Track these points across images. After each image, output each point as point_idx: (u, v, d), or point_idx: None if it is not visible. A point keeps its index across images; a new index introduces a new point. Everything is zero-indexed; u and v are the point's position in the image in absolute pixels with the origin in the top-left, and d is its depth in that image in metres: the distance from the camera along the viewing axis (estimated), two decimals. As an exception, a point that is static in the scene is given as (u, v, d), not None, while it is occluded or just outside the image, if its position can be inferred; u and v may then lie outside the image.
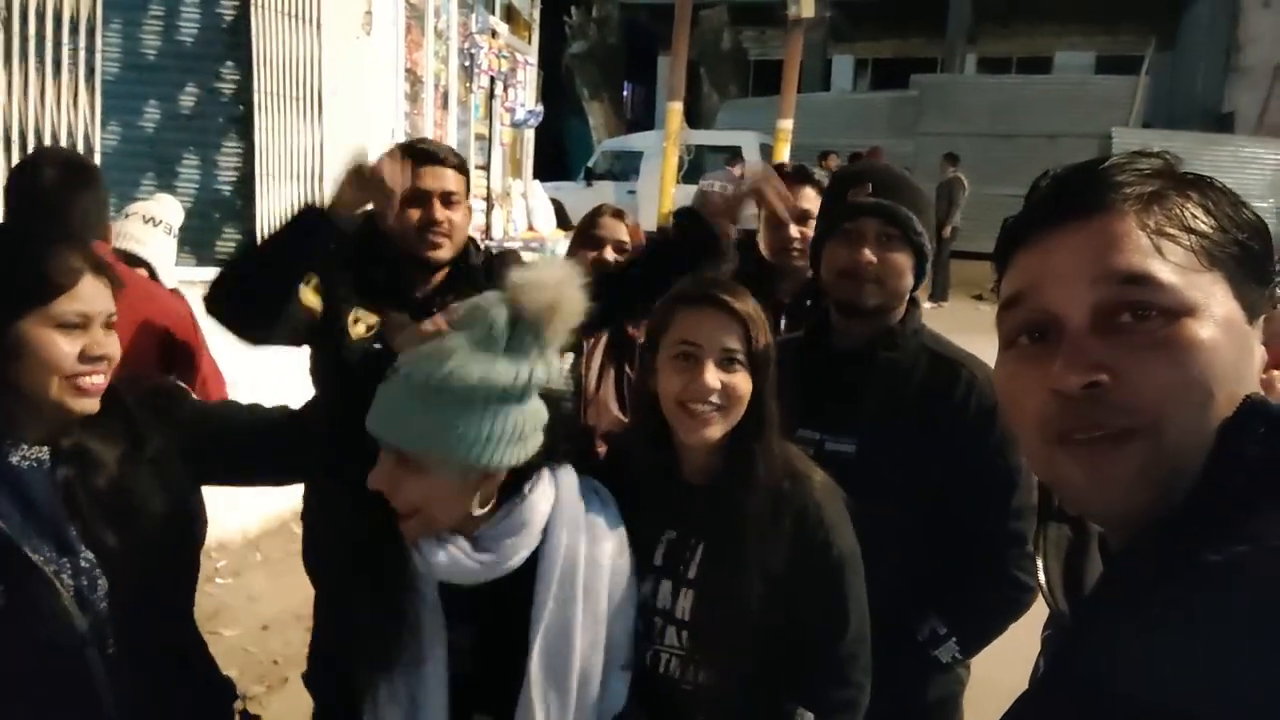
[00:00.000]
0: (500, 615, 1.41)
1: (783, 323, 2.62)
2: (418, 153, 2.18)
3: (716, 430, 1.49)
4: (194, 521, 1.58)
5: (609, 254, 2.47)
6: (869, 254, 1.76)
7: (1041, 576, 0.85)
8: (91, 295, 1.41)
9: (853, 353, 1.84)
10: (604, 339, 2.49)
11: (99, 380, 1.42)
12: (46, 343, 1.36)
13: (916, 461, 1.72)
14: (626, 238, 2.52)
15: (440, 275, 2.28)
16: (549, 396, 1.38)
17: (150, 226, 2.96)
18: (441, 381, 1.27)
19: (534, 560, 1.40)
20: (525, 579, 1.40)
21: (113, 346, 1.44)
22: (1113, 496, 0.70)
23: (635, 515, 1.53)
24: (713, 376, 1.46)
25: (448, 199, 2.22)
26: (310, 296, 2.12)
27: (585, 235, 2.57)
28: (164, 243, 2.98)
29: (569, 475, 1.48)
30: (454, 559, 1.35)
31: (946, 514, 1.73)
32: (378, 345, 2.15)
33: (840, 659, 1.51)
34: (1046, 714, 0.68)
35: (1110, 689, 0.59)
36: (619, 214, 2.61)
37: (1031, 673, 0.88)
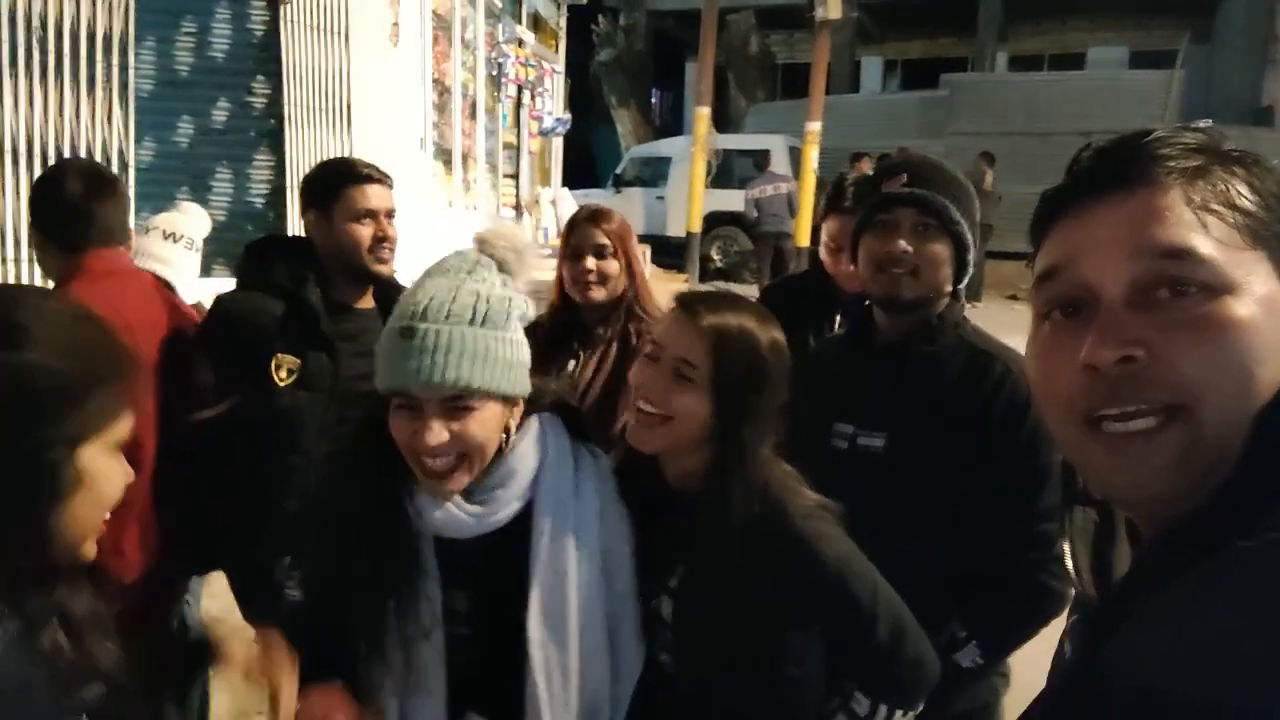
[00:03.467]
0: (494, 578, 1.42)
1: (837, 320, 2.63)
2: (360, 174, 2.33)
3: (648, 439, 1.46)
4: None
5: (589, 262, 2.38)
6: (903, 244, 1.72)
7: (1069, 561, 0.83)
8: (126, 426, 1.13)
9: (891, 347, 1.80)
10: (601, 352, 2.43)
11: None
12: (108, 472, 1.08)
13: (944, 458, 1.68)
14: (606, 241, 2.41)
15: (368, 294, 2.39)
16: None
17: (170, 243, 2.95)
18: (486, 305, 1.34)
19: (527, 516, 1.42)
20: (520, 538, 1.41)
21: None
22: (1144, 484, 0.68)
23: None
24: (653, 380, 1.43)
25: (391, 215, 2.35)
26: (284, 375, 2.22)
27: (565, 245, 2.49)
28: (184, 258, 2.96)
29: (555, 425, 1.49)
30: (448, 513, 1.37)
31: (974, 513, 1.68)
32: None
33: (881, 654, 1.47)
34: (1076, 703, 0.66)
35: (1140, 678, 0.58)
36: (596, 217, 2.48)
37: (1054, 657, 0.86)
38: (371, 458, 1.40)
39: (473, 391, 1.32)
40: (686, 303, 1.48)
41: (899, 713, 1.49)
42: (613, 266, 2.41)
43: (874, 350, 1.84)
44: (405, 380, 1.31)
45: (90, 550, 1.10)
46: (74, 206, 2.32)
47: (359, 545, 1.39)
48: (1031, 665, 1.77)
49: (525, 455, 1.42)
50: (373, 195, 2.31)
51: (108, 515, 1.10)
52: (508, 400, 1.39)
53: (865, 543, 1.64)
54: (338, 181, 2.32)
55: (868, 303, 1.91)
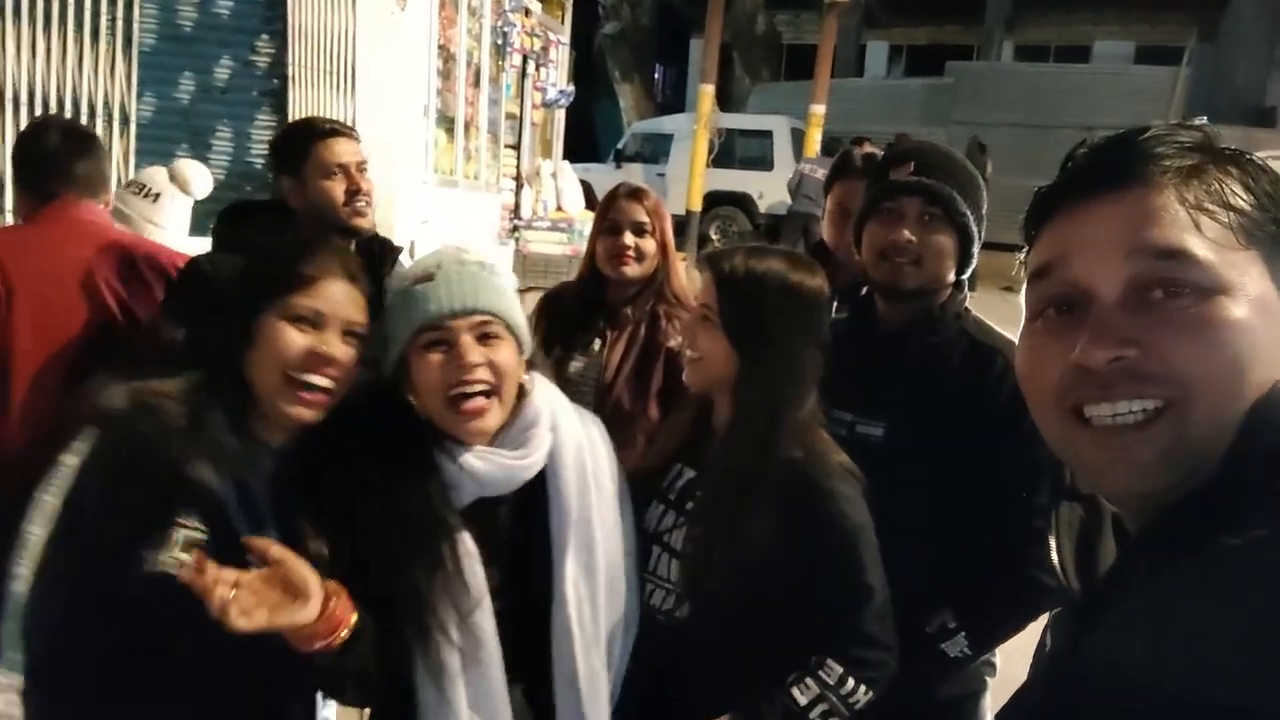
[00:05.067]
0: (520, 544, 1.48)
1: (834, 307, 2.60)
2: (324, 129, 2.33)
3: (689, 378, 1.62)
4: None
5: (628, 238, 2.37)
6: (907, 234, 1.72)
7: (1054, 555, 0.84)
8: (334, 297, 1.38)
9: (891, 335, 1.80)
10: (629, 333, 2.42)
11: (323, 384, 1.36)
12: (278, 334, 1.35)
13: (943, 449, 1.68)
14: (645, 218, 2.40)
15: (350, 250, 2.34)
16: None
17: (130, 193, 2.94)
18: (492, 262, 1.48)
19: (541, 480, 1.49)
20: (540, 496, 1.49)
21: (344, 356, 1.38)
22: (1130, 478, 0.68)
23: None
24: (688, 327, 1.61)
25: (362, 167, 2.34)
26: None
27: (602, 220, 2.47)
28: (143, 209, 2.94)
29: (555, 389, 1.60)
30: (494, 463, 1.43)
31: (969, 505, 1.69)
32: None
33: (866, 625, 1.54)
34: (1060, 696, 0.67)
35: (1124, 672, 0.59)
36: (636, 194, 2.47)
37: (1036, 649, 0.88)
38: (396, 432, 1.44)
39: (499, 318, 1.41)
40: (709, 257, 1.63)
41: (863, 688, 1.52)
42: (650, 245, 2.40)
43: (875, 338, 1.84)
44: (439, 308, 1.38)
45: (280, 411, 1.35)
46: (51, 159, 2.38)
47: (395, 530, 1.40)
48: (1022, 656, 1.78)
49: (544, 397, 1.51)
50: (340, 149, 2.31)
51: (298, 378, 1.34)
52: (520, 346, 1.46)
53: None
54: (303, 140, 2.32)
55: (865, 290, 1.92)
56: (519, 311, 1.48)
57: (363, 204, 2.31)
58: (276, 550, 1.23)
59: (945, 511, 1.69)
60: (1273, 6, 16.87)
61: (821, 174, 11.66)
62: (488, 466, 1.42)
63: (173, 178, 3.05)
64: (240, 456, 1.35)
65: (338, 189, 2.28)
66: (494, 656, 1.42)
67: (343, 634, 1.29)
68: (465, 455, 1.42)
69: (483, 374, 1.38)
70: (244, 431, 1.36)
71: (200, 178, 3.11)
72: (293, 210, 2.34)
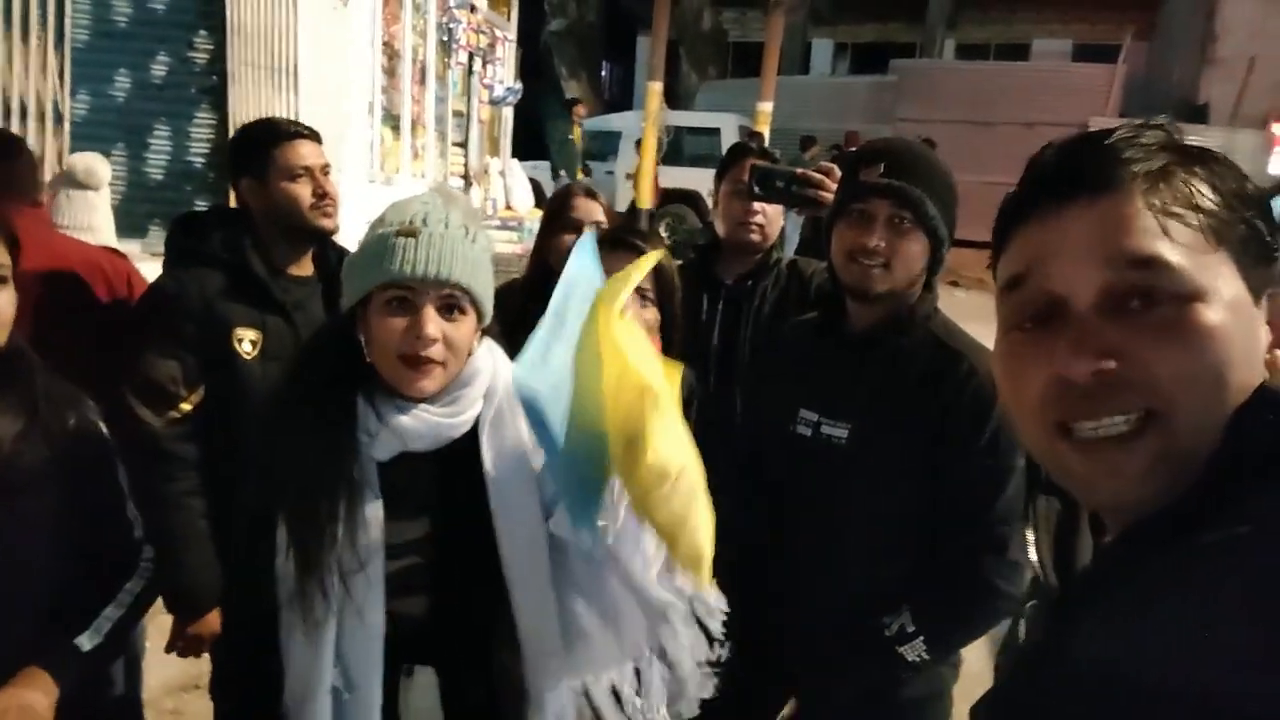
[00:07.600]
0: (445, 502, 1.47)
1: (720, 305, 2.47)
2: (289, 132, 2.28)
3: None
4: (81, 525, 1.55)
5: None
6: (876, 239, 1.69)
7: (1031, 550, 0.84)
8: None
9: (859, 337, 1.79)
10: None
11: None
12: None
13: (906, 452, 1.68)
14: (602, 218, 2.38)
15: (308, 260, 2.33)
16: None
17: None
18: (475, 222, 1.44)
19: (475, 437, 1.48)
20: (471, 455, 1.47)
21: None
22: (1121, 491, 0.68)
23: None
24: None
25: (326, 170, 2.30)
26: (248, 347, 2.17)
27: (559, 217, 2.43)
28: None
29: (502, 352, 1.57)
30: (420, 419, 1.43)
31: (931, 509, 1.69)
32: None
33: None
34: (1042, 690, 0.67)
35: (1107, 668, 0.59)
36: (592, 193, 2.47)
37: (1005, 641, 0.88)
38: (328, 371, 1.45)
39: (466, 294, 1.40)
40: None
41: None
42: None
43: (843, 338, 1.83)
44: (410, 271, 1.34)
45: None
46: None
47: (302, 469, 1.40)
48: (981, 653, 1.77)
49: (484, 359, 1.50)
50: (305, 152, 2.27)
51: None
52: (480, 320, 1.46)
53: (826, 531, 1.66)
54: (266, 143, 2.27)
55: (749, 283, 1.95)
56: (488, 284, 1.47)
57: (330, 207, 2.28)
58: None
59: (909, 513, 1.70)
60: (1205, 7, 17.33)
61: None
62: (413, 422, 1.42)
63: (71, 173, 3.04)
64: None
65: (304, 191, 2.23)
66: (375, 619, 1.40)
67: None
68: (391, 410, 1.42)
69: (436, 350, 1.38)
70: None
71: (90, 169, 3.07)
72: (246, 213, 2.28)
